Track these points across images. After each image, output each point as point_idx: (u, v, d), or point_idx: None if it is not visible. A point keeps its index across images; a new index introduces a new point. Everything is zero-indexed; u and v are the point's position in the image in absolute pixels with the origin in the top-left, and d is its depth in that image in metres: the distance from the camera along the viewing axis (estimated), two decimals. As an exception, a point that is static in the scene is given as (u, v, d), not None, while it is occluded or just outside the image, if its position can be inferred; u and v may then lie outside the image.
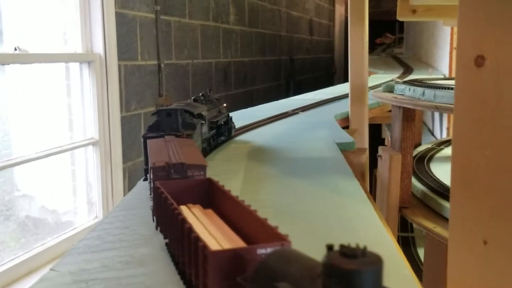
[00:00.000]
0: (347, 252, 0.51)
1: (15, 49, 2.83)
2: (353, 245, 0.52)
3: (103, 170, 3.36)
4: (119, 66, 3.45)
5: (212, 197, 1.08)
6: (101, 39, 3.30)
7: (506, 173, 0.92)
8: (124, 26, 3.50)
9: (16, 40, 2.86)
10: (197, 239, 0.77)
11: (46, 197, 3.13)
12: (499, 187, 0.94)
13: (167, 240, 1.02)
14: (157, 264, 0.99)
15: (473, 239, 0.98)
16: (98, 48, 3.32)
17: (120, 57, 3.46)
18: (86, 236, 1.12)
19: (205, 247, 0.72)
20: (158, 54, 3.93)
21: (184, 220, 0.85)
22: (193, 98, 2.03)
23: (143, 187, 1.48)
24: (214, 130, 2.03)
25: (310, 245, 1.04)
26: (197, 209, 1.03)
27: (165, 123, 1.63)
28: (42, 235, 3.01)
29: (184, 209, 1.02)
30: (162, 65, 3.96)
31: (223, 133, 2.16)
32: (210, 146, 2.02)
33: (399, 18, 2.57)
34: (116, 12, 3.38)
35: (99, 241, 1.10)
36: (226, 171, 1.77)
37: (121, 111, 3.49)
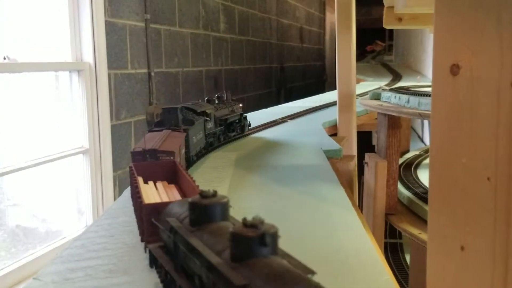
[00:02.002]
0: (205, 194, 0.80)
1: (4, 58, 2.84)
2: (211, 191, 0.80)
3: (93, 178, 3.36)
4: (109, 74, 3.46)
5: (176, 176, 1.34)
6: (91, 48, 3.31)
7: (482, 181, 0.94)
8: (114, 35, 3.52)
9: (5, 49, 2.87)
10: (140, 197, 1.07)
11: (36, 206, 3.12)
12: (475, 194, 0.96)
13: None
14: (140, 272, 1.00)
15: (451, 245, 1.00)
16: (88, 57, 3.33)
17: (110, 66, 3.47)
18: (70, 245, 1.13)
19: (142, 201, 1.04)
20: (148, 63, 3.94)
21: (137, 186, 1.17)
22: (206, 98, 2.27)
23: (129, 196, 1.49)
24: (223, 127, 2.28)
25: (294, 251, 1.06)
26: (161, 184, 1.32)
27: (167, 119, 1.82)
28: (32, 244, 3.01)
29: (150, 183, 1.31)
30: (152, 74, 3.98)
31: (234, 129, 2.41)
32: (220, 141, 2.28)
33: (386, 26, 2.59)
34: (105, 21, 3.40)
35: (83, 250, 1.10)
36: (213, 178, 1.78)
37: (111, 119, 3.49)
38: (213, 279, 0.68)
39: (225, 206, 0.80)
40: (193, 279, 0.77)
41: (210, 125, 2.12)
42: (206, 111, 2.07)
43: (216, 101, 2.30)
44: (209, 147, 2.15)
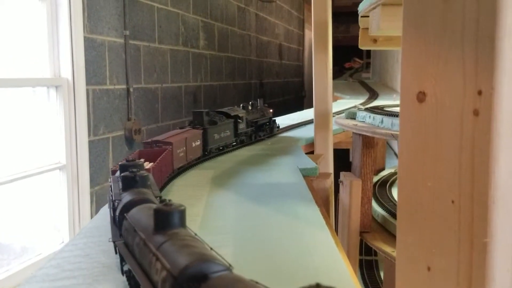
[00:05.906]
0: (128, 159, 1.43)
1: (-19, 74, 2.82)
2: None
3: (70, 195, 3.34)
4: (87, 90, 3.46)
5: None
6: (69, 63, 3.31)
7: (446, 204, 0.97)
8: (93, 51, 3.52)
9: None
10: (115, 165, 1.55)
11: (12, 222, 3.10)
12: (440, 216, 0.99)
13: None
14: (115, 292, 1.01)
15: (418, 265, 1.03)
16: (66, 72, 3.33)
17: (89, 82, 3.47)
18: (45, 264, 1.14)
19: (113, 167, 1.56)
20: (127, 78, 3.95)
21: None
22: (241, 104, 2.81)
23: (105, 215, 1.50)
24: (253, 128, 2.77)
25: (267, 269, 1.08)
26: (152, 163, 1.69)
27: (196, 120, 2.29)
28: (7, 260, 2.98)
29: (146, 162, 1.71)
30: (131, 89, 3.98)
31: (264, 130, 2.93)
32: (251, 139, 2.77)
33: (361, 47, 2.64)
34: (84, 37, 3.40)
35: (58, 269, 1.11)
36: (189, 197, 1.79)
37: (89, 135, 3.49)
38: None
39: (138, 166, 1.31)
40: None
41: (242, 126, 2.58)
42: (239, 114, 2.54)
43: (250, 107, 2.79)
44: (240, 143, 2.67)
